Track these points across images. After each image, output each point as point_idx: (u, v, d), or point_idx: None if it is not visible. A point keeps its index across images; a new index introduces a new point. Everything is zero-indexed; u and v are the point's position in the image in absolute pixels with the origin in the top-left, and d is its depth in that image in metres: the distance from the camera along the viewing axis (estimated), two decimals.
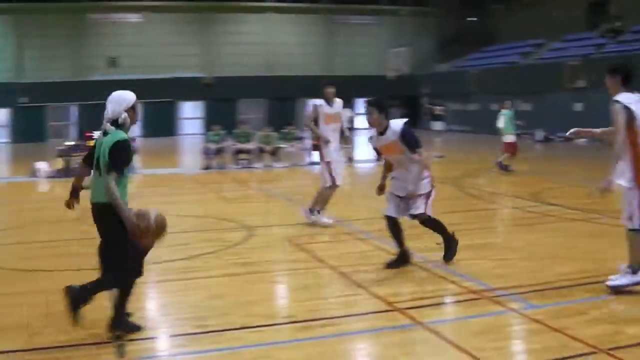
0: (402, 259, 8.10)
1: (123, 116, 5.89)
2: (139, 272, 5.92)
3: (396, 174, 8.13)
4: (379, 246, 9.12)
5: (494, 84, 38.45)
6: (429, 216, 8.07)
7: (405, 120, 7.96)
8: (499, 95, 37.83)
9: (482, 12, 48.98)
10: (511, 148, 18.37)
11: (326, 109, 10.98)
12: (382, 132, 7.94)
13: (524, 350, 5.67)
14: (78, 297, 5.75)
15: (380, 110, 7.87)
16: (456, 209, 12.34)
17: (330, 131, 10.95)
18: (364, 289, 7.12)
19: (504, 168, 17.97)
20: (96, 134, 7.17)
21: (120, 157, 5.75)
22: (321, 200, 11.06)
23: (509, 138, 18.50)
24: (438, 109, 30.32)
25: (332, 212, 11.45)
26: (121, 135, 5.81)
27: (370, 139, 8.19)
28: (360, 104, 48.16)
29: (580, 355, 5.26)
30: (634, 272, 6.77)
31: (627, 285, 6.77)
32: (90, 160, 6.08)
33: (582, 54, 34.79)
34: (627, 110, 6.66)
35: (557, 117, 33.02)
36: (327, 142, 10.92)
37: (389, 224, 8.10)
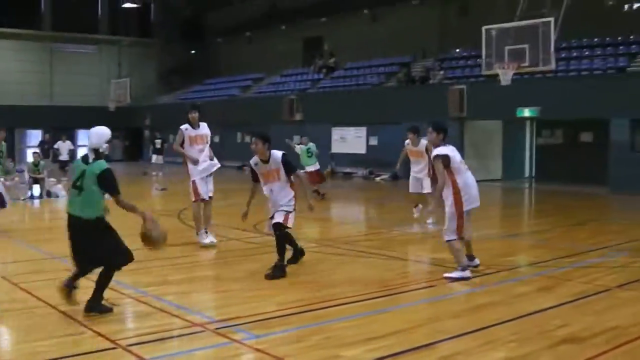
0: (298, 254, 10.00)
1: (104, 147, 7.42)
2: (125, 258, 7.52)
3: (271, 195, 9.56)
4: None
5: (215, 116, 39.05)
6: (286, 231, 9.51)
7: (283, 152, 9.55)
8: (220, 127, 38.66)
9: (204, 44, 49.69)
10: (315, 177, 19.94)
11: (190, 131, 11.95)
12: (265, 161, 9.47)
13: None
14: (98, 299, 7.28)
15: (264, 142, 9.44)
16: (178, 242, 12.31)
17: (196, 152, 11.84)
18: (86, 328, 6.84)
19: (319, 194, 19.42)
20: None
21: (113, 183, 7.25)
22: (198, 220, 11.87)
23: (309, 169, 19.77)
24: (157, 142, 30.00)
25: (52, 248, 10.94)
26: (104, 164, 7.25)
27: (256, 165, 9.60)
28: (82, 135, 46.76)
29: None
30: (463, 270, 9.03)
31: (458, 279, 8.92)
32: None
33: (299, 89, 36.47)
34: (446, 158, 9.06)
35: (277, 149, 34.16)
36: (194, 161, 11.82)
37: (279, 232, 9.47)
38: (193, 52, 50.31)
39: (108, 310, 7.30)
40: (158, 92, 48.65)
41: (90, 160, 7.27)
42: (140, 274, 9.27)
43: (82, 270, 7.45)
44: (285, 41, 42.41)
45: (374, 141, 30.92)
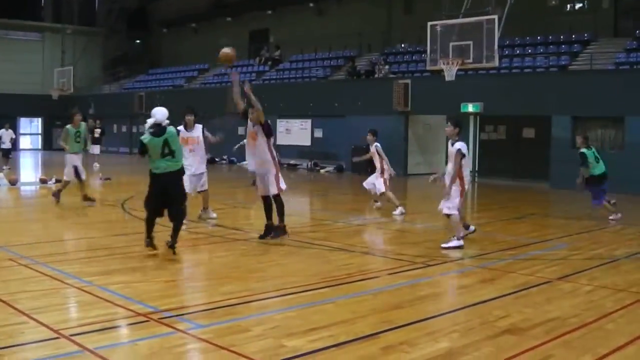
0: (269, 230, 11.30)
1: (166, 122, 9.78)
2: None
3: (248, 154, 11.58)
4: (43, 272, 8.70)
5: (160, 106, 38.67)
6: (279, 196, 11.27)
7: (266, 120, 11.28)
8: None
9: (148, 35, 49.19)
10: None
11: (183, 133, 12.78)
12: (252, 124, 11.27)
13: None
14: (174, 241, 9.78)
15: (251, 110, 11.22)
16: (122, 232, 12.22)
17: (186, 152, 12.65)
18: (27, 317, 6.73)
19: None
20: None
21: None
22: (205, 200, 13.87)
23: None
24: (97, 132, 29.59)
25: None
26: (173, 128, 9.99)
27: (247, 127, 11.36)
28: (26, 123, 45.85)
29: None
30: (458, 239, 10.89)
31: (455, 248, 10.78)
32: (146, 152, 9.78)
33: (244, 80, 36.25)
34: (462, 154, 10.85)
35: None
36: None
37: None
38: (138, 41, 49.76)
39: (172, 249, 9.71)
40: (102, 81, 47.99)
41: (159, 133, 9.63)
42: (84, 263, 9.23)
43: (160, 215, 9.98)
44: (231, 33, 42.14)
45: (319, 133, 30.99)
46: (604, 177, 15.21)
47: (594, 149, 15.49)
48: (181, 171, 9.97)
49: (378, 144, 15.54)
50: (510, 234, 12.83)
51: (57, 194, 15.97)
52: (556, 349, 6.07)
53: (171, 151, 9.69)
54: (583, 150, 15.17)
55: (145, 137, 9.72)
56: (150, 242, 9.85)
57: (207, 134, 13.77)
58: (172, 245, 9.71)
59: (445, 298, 7.83)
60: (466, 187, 11.31)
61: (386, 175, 15.56)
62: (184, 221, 10.69)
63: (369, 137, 15.68)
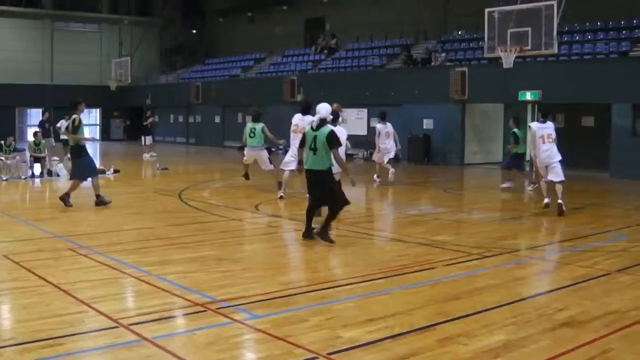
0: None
1: (330, 117, 10.08)
2: (345, 201, 10.21)
3: None
4: (102, 261, 8.87)
5: (217, 95, 39.03)
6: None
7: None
8: (222, 108, 38.57)
9: (204, 24, 49.52)
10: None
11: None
12: None
13: (249, 359, 5.80)
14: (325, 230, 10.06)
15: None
16: (179, 222, 12.38)
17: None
18: (87, 306, 6.87)
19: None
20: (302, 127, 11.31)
21: (337, 140, 9.99)
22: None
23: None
24: (149, 121, 30.02)
25: (53, 227, 11.00)
26: (329, 127, 9.94)
27: None
28: (84, 114, 46.63)
29: None
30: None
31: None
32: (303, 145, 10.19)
33: (300, 69, 36.40)
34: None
35: (279, 129, 34.17)
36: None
37: None
38: (194, 31, 50.14)
39: (332, 241, 9.90)
40: (159, 72, 48.55)
41: (316, 127, 9.91)
42: (141, 253, 9.38)
43: (317, 207, 10.43)
44: (286, 21, 42.25)
45: (375, 123, 30.81)
46: (524, 155, 18.11)
47: (523, 130, 17.48)
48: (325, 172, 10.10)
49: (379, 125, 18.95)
50: (569, 225, 12.62)
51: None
52: (615, 342, 5.97)
53: (315, 148, 9.93)
54: (514, 130, 17.89)
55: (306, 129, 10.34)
56: (307, 234, 10.28)
57: None
58: (321, 235, 10.04)
59: (502, 290, 7.74)
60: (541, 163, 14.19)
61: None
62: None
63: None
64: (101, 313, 6.64)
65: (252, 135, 16.97)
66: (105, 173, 21.20)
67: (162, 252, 9.59)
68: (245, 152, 17.59)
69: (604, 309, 6.92)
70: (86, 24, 47.07)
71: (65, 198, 13.92)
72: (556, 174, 13.96)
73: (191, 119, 42.50)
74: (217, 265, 8.90)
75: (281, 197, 15.20)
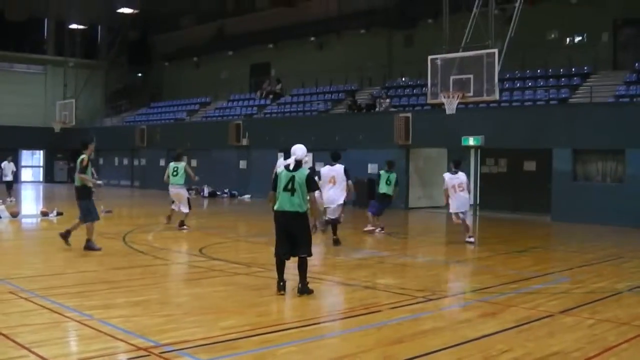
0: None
1: (306, 159, 9.93)
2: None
3: None
4: (43, 305, 8.67)
5: (161, 139, 38.86)
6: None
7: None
8: (167, 151, 38.36)
9: (150, 68, 49.48)
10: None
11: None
12: None
13: None
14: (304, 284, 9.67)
15: None
16: (123, 265, 12.20)
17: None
18: (27, 350, 6.70)
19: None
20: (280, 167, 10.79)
21: (315, 183, 9.95)
22: None
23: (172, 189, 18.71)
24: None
25: None
26: (305, 170, 9.75)
27: None
28: (27, 156, 45.93)
29: None
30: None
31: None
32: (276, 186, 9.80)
33: (245, 114, 36.53)
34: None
35: (223, 173, 34.14)
36: None
37: None
38: (140, 74, 50.03)
39: (311, 291, 9.67)
40: (104, 114, 48.18)
41: (293, 168, 9.70)
42: (84, 297, 9.20)
43: (289, 257, 9.80)
44: (232, 66, 42.49)
45: (320, 167, 30.91)
46: (386, 197, 18.52)
47: (390, 174, 18.61)
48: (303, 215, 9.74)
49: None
50: (512, 268, 12.79)
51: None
52: None
53: (293, 189, 9.63)
54: (381, 171, 18.88)
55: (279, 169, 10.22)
56: (281, 286, 9.72)
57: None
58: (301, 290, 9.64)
59: (447, 332, 7.78)
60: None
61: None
62: None
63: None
64: (42, 358, 6.47)
65: (175, 174, 18.28)
66: (48, 215, 20.85)
67: (105, 296, 9.43)
68: (169, 190, 18.54)
69: (548, 350, 7.00)
70: (30, 66, 46.61)
71: (90, 245, 13.70)
72: (466, 219, 16.36)
73: (136, 162, 42.18)
74: (160, 309, 8.78)
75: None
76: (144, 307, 8.75)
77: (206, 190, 33.62)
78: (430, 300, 9.59)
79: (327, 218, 15.73)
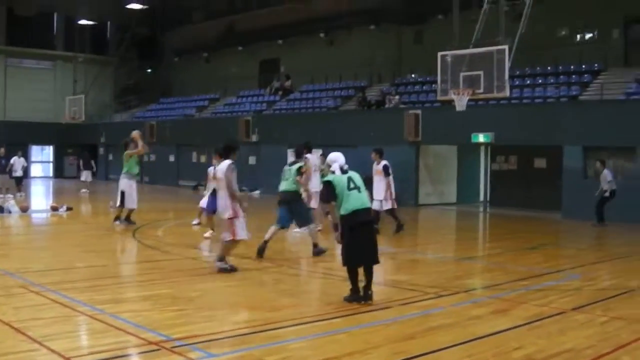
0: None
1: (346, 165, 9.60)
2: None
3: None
4: (54, 299, 8.69)
5: (171, 135, 38.88)
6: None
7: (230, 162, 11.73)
8: (176, 147, 38.39)
9: (160, 63, 49.47)
10: None
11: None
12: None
13: None
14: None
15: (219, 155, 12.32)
16: (133, 260, 12.21)
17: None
18: (39, 344, 6.71)
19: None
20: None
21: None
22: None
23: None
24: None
25: (3, 264, 10.75)
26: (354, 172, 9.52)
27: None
28: (37, 151, 46.05)
29: None
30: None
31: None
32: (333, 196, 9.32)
33: (254, 110, 36.51)
34: None
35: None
36: None
37: None
38: (149, 70, 50.07)
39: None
40: (114, 110, 48.23)
41: (343, 172, 9.38)
42: (94, 291, 9.21)
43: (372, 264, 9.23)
44: (241, 62, 42.47)
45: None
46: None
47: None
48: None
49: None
50: (523, 265, 12.74)
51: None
52: None
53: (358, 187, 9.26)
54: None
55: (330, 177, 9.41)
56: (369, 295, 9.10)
57: None
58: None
59: (457, 329, 7.75)
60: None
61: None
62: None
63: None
64: (53, 351, 6.49)
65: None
66: (58, 210, 20.91)
67: (116, 290, 9.44)
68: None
69: (559, 347, 6.96)
70: (40, 61, 46.68)
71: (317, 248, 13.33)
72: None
73: (145, 158, 42.19)
74: (171, 303, 8.78)
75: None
76: (154, 302, 8.76)
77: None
78: (441, 296, 9.56)
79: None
